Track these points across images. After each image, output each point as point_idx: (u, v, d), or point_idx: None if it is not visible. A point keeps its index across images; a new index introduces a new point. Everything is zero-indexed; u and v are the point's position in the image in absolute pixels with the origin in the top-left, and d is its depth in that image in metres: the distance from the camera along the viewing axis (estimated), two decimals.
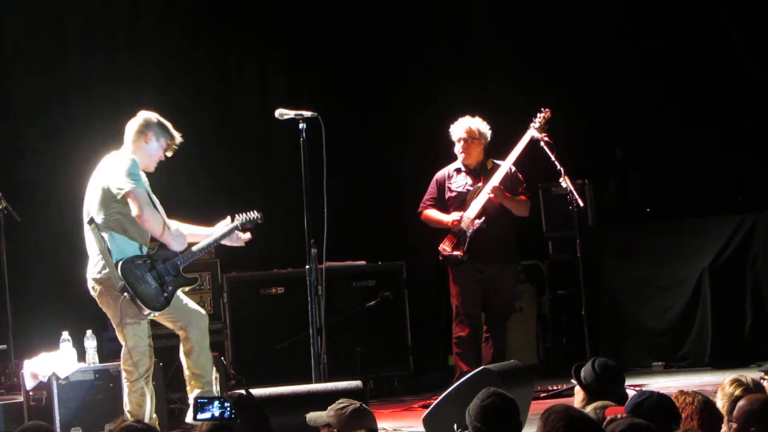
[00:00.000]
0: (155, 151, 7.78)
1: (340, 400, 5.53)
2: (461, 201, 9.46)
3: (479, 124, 9.50)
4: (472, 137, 9.46)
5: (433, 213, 9.57)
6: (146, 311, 7.54)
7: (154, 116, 7.80)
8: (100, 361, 8.41)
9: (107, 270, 7.51)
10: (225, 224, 8.12)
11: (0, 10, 10.65)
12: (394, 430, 5.48)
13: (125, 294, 7.45)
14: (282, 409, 6.43)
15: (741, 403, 4.88)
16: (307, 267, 7.94)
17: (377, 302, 10.57)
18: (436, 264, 9.67)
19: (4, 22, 10.72)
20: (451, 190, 9.54)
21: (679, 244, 11.04)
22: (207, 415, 5.19)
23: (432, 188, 9.63)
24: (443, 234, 9.48)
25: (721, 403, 5.25)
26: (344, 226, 10.46)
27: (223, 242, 8.15)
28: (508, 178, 9.47)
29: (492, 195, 9.31)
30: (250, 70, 12.16)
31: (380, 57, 12.38)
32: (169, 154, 7.87)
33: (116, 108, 10.98)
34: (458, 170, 9.59)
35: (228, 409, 5.19)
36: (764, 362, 9.27)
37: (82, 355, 8.33)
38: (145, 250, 7.65)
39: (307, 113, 8.02)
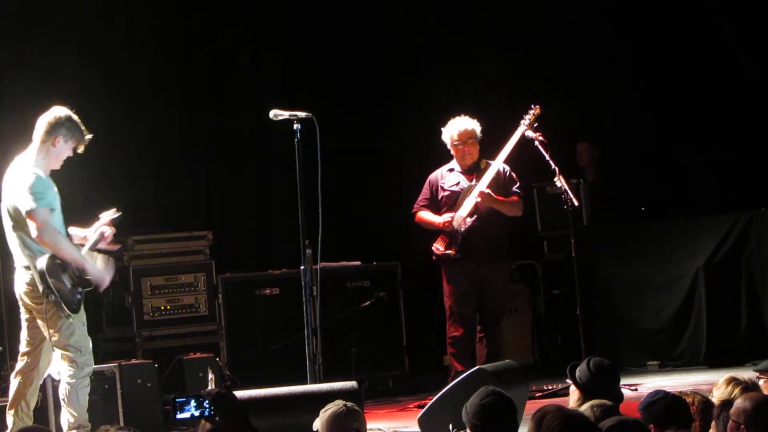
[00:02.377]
0: (64, 152, 7.47)
1: (328, 404, 5.51)
2: (454, 200, 9.46)
3: (473, 124, 9.49)
4: (473, 138, 9.45)
5: (426, 215, 9.57)
6: (66, 313, 7.33)
7: (64, 114, 7.47)
8: (95, 363, 8.38)
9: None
10: (93, 228, 7.68)
11: None
12: (392, 431, 5.45)
13: (51, 296, 7.26)
14: (277, 410, 6.43)
15: (738, 401, 4.89)
16: (302, 268, 7.95)
17: (372, 303, 10.57)
18: (430, 264, 9.68)
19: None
20: (444, 189, 9.54)
21: (674, 243, 11.04)
22: (186, 414, 5.15)
23: (425, 189, 9.64)
24: (437, 234, 9.49)
25: (717, 402, 5.26)
26: (339, 227, 10.51)
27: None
28: (500, 177, 9.46)
29: (480, 200, 9.31)
30: (244, 70, 12.16)
31: (376, 57, 12.39)
32: (80, 150, 7.55)
33: (112, 108, 11.02)
34: (451, 170, 9.59)
35: (206, 406, 5.16)
36: (759, 361, 9.26)
37: None
38: None
39: (302, 114, 8.01)
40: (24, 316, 7.54)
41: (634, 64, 12.29)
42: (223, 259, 10.66)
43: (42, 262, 7.28)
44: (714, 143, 11.68)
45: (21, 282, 7.45)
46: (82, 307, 7.50)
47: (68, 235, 7.55)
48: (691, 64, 11.90)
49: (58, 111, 7.51)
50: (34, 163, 7.43)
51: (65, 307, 7.32)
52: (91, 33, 11.12)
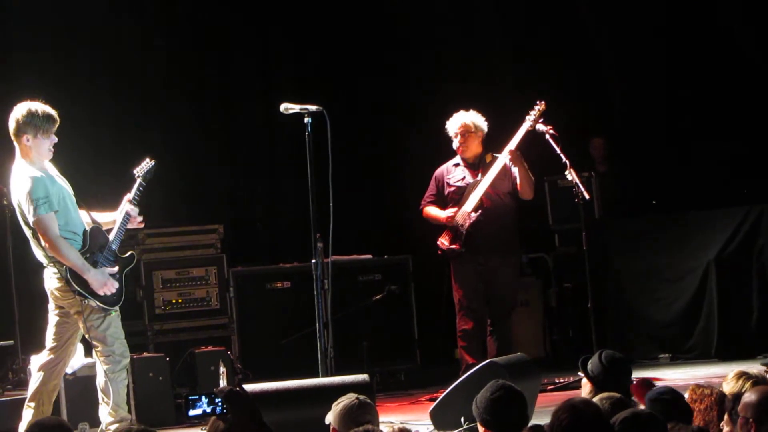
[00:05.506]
0: (41, 145, 7.29)
1: (340, 398, 5.52)
2: (460, 195, 9.46)
3: (474, 118, 9.49)
4: (468, 131, 9.46)
5: (432, 210, 9.58)
6: (107, 310, 7.30)
7: (20, 114, 7.27)
8: None
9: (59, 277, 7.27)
10: (122, 207, 7.58)
11: None
12: (401, 423, 5.45)
13: (85, 300, 7.23)
14: (289, 404, 6.43)
15: (745, 396, 4.89)
16: (313, 261, 7.94)
17: (383, 296, 10.58)
18: (441, 257, 9.68)
19: None
20: (450, 185, 9.55)
21: (685, 236, 11.03)
22: (198, 411, 5.14)
23: (432, 185, 9.65)
24: (444, 229, 9.50)
25: (729, 397, 5.27)
26: (350, 220, 10.51)
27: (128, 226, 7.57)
28: (507, 170, 9.42)
29: (510, 157, 9.29)
30: (254, 64, 12.17)
31: (386, 51, 12.39)
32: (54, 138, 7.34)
33: (120, 104, 11.04)
34: (456, 165, 9.60)
35: (218, 404, 5.15)
36: None
37: (89, 350, 8.32)
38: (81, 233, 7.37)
39: (313, 107, 8.00)
40: (53, 311, 7.45)
41: (646, 56, 12.27)
42: (235, 252, 10.67)
43: (65, 270, 7.24)
44: (725, 136, 11.66)
45: (51, 279, 7.38)
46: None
47: (93, 221, 7.46)
48: (702, 58, 11.88)
49: (17, 112, 7.33)
50: (28, 162, 7.32)
51: (102, 305, 7.28)
52: (102, 33, 11.14)
